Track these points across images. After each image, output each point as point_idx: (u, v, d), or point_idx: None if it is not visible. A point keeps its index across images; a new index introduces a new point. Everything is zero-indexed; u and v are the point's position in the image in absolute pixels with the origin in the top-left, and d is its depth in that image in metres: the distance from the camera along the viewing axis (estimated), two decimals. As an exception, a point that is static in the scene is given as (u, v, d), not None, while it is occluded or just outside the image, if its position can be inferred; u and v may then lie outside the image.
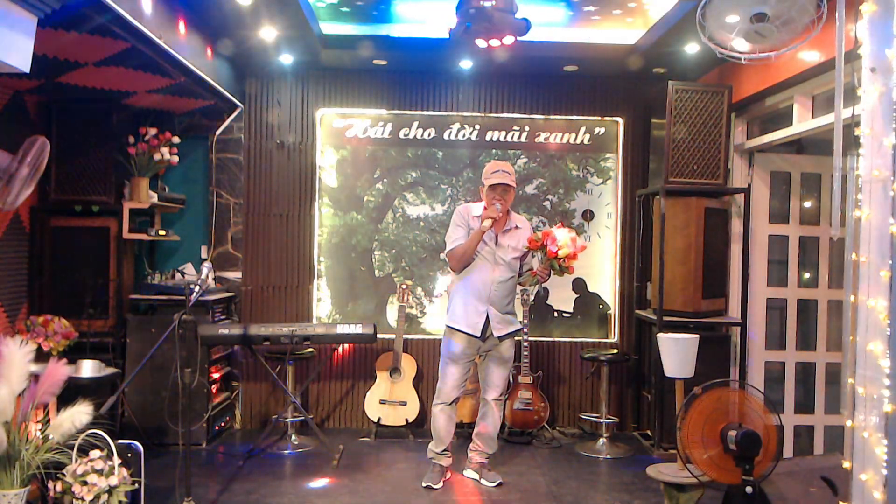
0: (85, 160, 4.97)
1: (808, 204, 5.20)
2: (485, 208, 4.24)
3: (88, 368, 4.18)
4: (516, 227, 4.35)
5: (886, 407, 2.44)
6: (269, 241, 5.74)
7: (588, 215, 5.83)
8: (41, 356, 4.06)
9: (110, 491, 3.26)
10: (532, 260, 4.36)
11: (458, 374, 4.32)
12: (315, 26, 4.71)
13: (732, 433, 3.23)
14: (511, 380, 5.22)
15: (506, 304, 4.32)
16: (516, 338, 4.57)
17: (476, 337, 4.25)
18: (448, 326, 4.35)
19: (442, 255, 5.40)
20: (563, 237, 4.06)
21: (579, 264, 5.73)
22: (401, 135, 5.80)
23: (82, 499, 3.21)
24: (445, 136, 5.81)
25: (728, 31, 2.99)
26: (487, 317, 4.25)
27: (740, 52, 3.06)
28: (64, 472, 3.27)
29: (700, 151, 4.98)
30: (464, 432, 5.12)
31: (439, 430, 4.35)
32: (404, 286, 5.49)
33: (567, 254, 4.05)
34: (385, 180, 5.83)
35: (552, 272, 4.13)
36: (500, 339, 4.30)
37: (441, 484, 4.34)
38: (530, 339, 5.33)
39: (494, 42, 3.78)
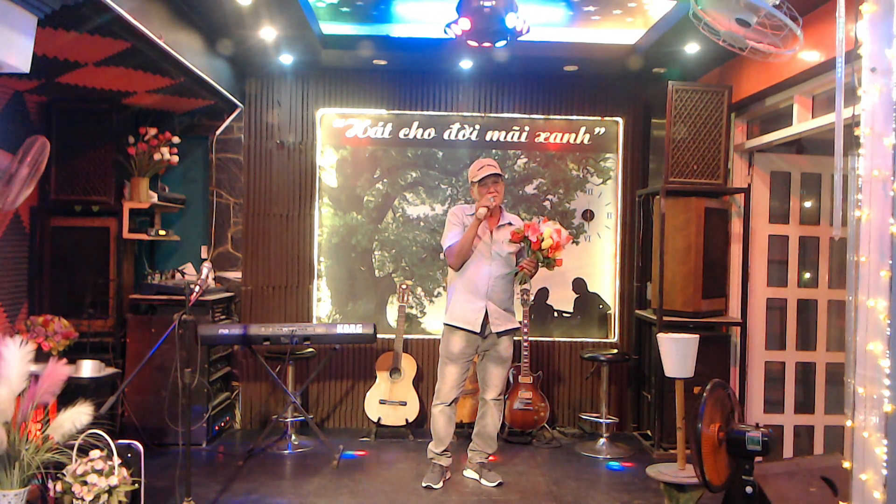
0: (85, 160, 4.97)
1: (808, 204, 5.20)
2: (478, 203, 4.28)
3: (88, 368, 4.18)
4: (509, 224, 4.36)
5: (886, 407, 2.44)
6: (269, 241, 5.74)
7: (588, 215, 5.83)
8: (41, 356, 4.06)
9: (110, 491, 3.26)
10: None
11: (456, 374, 4.32)
12: (315, 26, 4.71)
13: (754, 434, 3.22)
14: (511, 380, 5.22)
15: (504, 300, 4.33)
16: (515, 337, 4.57)
17: (475, 333, 4.25)
18: (446, 324, 4.35)
19: (442, 256, 5.40)
20: (546, 228, 4.06)
21: (579, 264, 5.82)
22: (401, 135, 5.80)
23: (82, 499, 3.21)
24: (445, 136, 5.81)
25: (719, 10, 2.98)
26: (486, 312, 4.25)
27: (719, 33, 3.06)
28: (64, 472, 3.27)
29: (700, 151, 4.98)
30: (464, 432, 5.12)
31: (439, 431, 4.36)
32: (404, 286, 5.49)
33: (550, 244, 4.05)
34: (385, 180, 5.83)
35: (539, 265, 4.14)
36: (499, 335, 4.30)
37: (441, 484, 4.34)
38: (530, 339, 5.33)
39: (486, 44, 3.78)
